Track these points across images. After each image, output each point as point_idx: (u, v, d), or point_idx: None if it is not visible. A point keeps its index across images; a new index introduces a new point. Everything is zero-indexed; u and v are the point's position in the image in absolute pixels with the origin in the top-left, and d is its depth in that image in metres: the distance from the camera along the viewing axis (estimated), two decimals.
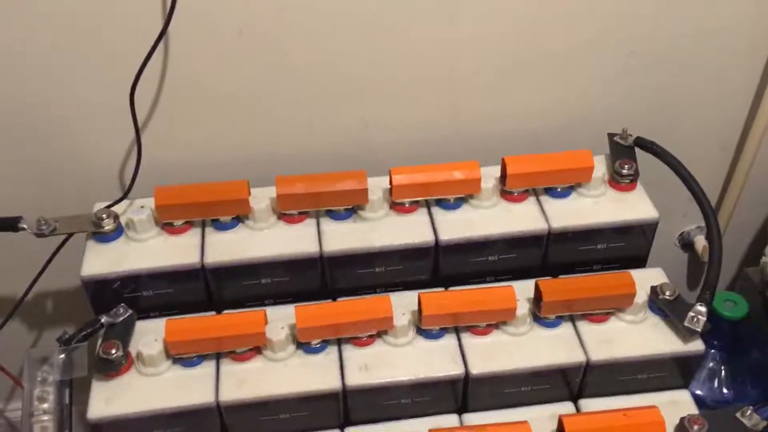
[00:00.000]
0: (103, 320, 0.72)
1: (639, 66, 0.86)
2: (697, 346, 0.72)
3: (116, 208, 0.77)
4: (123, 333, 0.71)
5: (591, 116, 0.89)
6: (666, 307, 0.73)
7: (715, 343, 0.91)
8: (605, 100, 0.88)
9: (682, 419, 0.69)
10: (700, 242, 1.02)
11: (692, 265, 1.09)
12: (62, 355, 0.69)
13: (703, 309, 0.71)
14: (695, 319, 0.71)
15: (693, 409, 0.72)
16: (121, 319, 0.72)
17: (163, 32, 0.72)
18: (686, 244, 1.05)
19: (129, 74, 0.74)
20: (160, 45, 0.73)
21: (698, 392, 0.90)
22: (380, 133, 0.86)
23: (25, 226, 0.73)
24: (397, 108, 0.85)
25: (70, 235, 0.77)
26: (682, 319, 0.71)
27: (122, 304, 0.73)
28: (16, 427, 1.07)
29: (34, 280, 0.80)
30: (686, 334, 0.72)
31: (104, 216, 0.75)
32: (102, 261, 0.73)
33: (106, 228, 0.75)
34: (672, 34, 0.84)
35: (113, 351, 0.69)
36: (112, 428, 0.68)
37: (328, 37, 0.78)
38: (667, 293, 0.73)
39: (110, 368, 0.69)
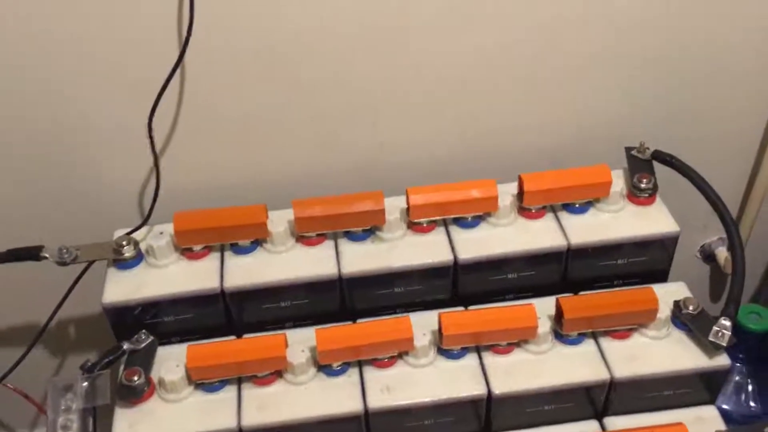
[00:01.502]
0: (125, 347, 0.72)
1: (654, 77, 0.86)
2: (723, 360, 0.71)
3: (136, 235, 0.77)
4: (145, 359, 0.72)
5: (607, 129, 0.88)
6: (690, 322, 0.72)
7: (741, 356, 0.89)
8: (621, 112, 0.88)
9: None
10: (722, 254, 1.01)
11: (714, 278, 1.07)
12: (85, 383, 0.70)
13: (727, 323, 0.70)
14: (720, 334, 0.70)
15: (720, 425, 0.71)
16: (142, 345, 0.72)
17: (179, 59, 0.73)
18: (708, 256, 1.04)
19: (147, 101, 0.74)
20: (177, 71, 0.74)
21: (725, 406, 0.89)
22: (395, 152, 0.86)
23: (47, 255, 0.74)
24: (412, 127, 0.85)
25: (92, 262, 0.78)
26: (707, 334, 0.70)
27: (143, 331, 0.73)
28: None
29: (57, 308, 0.81)
30: (711, 349, 0.71)
31: (124, 243, 0.75)
32: (123, 288, 0.74)
33: (127, 255, 0.75)
34: (687, 44, 0.84)
35: (135, 378, 0.69)
36: None
37: (341, 59, 0.78)
38: (691, 308, 0.72)
39: (133, 395, 0.69)
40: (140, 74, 0.75)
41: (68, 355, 0.97)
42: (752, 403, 0.91)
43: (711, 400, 0.74)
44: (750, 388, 0.90)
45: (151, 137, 0.76)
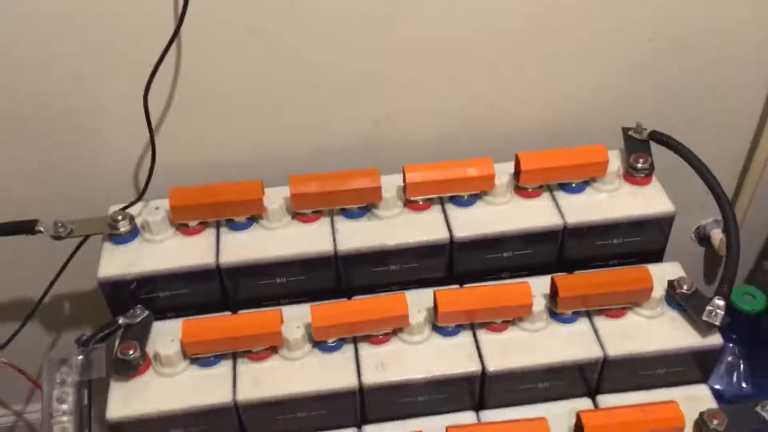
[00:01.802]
0: (120, 321, 0.72)
1: (653, 58, 0.86)
2: (716, 339, 0.72)
3: (131, 210, 0.77)
4: (140, 334, 0.72)
5: (605, 110, 0.88)
6: (683, 301, 0.73)
7: (734, 337, 0.90)
8: (619, 93, 0.88)
9: (701, 414, 0.69)
10: (717, 236, 1.01)
11: (709, 260, 1.08)
12: (81, 357, 0.70)
13: (721, 303, 0.71)
14: (713, 313, 0.70)
15: (712, 404, 0.72)
16: (138, 320, 0.73)
17: (175, 34, 0.72)
18: (703, 238, 1.04)
19: (142, 77, 0.74)
20: (173, 47, 0.74)
21: (717, 387, 0.90)
22: (393, 130, 0.86)
23: (42, 228, 0.74)
24: (410, 105, 0.85)
25: (87, 237, 0.77)
26: (700, 313, 0.71)
27: (139, 306, 0.73)
28: (36, 429, 1.08)
29: (52, 283, 0.81)
30: (704, 328, 0.72)
31: (120, 218, 0.75)
32: (118, 262, 0.74)
33: (122, 230, 0.75)
34: (686, 26, 0.83)
35: (131, 352, 0.69)
36: (131, 428, 0.69)
37: (338, 34, 0.78)
38: (685, 287, 0.73)
39: (128, 369, 0.69)
40: (136, 49, 0.74)
41: (63, 331, 0.97)
42: (744, 384, 0.91)
43: (704, 379, 0.75)
44: (743, 368, 0.91)
45: (146, 112, 0.75)
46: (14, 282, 0.91)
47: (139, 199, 0.78)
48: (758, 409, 0.69)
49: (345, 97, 0.83)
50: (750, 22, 0.84)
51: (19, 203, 0.82)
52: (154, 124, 0.78)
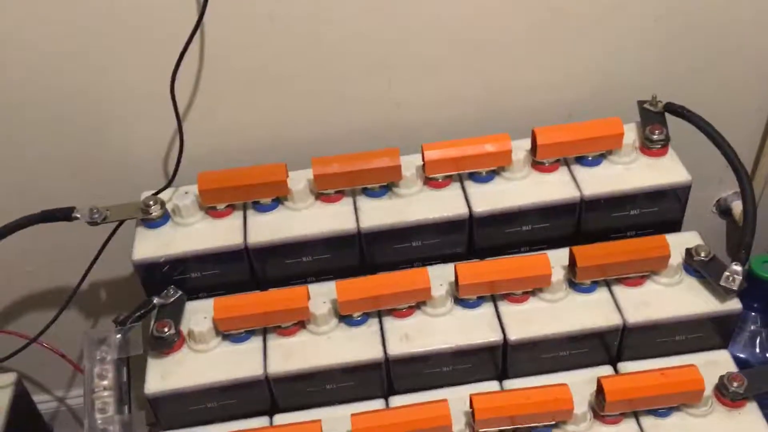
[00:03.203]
0: (155, 301, 0.75)
1: (668, 31, 0.86)
2: (735, 305, 0.73)
3: (162, 196, 0.80)
4: (174, 313, 0.75)
5: (621, 84, 0.89)
6: (701, 268, 0.74)
7: (756, 305, 0.91)
8: (635, 68, 0.89)
9: (721, 377, 0.70)
10: (738, 208, 1.01)
11: (731, 232, 1.08)
12: (119, 335, 0.73)
13: (738, 268, 0.72)
14: (731, 278, 0.71)
15: (732, 368, 0.73)
16: (171, 299, 0.76)
17: (199, 21, 0.75)
18: (724, 210, 1.05)
19: (168, 64, 0.77)
20: (196, 35, 0.77)
21: (741, 355, 0.91)
22: (411, 110, 0.88)
23: (78, 215, 0.77)
24: (427, 85, 0.86)
25: (121, 222, 0.81)
26: (718, 279, 0.72)
27: (172, 286, 0.76)
28: (78, 414, 1.12)
29: (89, 268, 0.84)
30: (723, 294, 0.73)
31: (151, 203, 0.78)
32: (151, 245, 0.77)
33: (154, 214, 0.78)
34: None
35: (166, 329, 0.72)
36: (168, 402, 0.72)
37: (358, 18, 0.80)
38: (702, 254, 0.74)
39: (164, 346, 0.73)
40: (162, 38, 0.77)
41: (101, 314, 1.00)
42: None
43: (724, 345, 0.76)
44: (765, 336, 0.91)
45: (174, 101, 0.78)
46: (53, 268, 0.95)
47: (168, 184, 0.81)
48: None
49: (364, 79, 0.85)
50: None
51: (53, 193, 0.85)
52: (181, 112, 0.81)
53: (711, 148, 0.79)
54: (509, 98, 0.89)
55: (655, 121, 0.81)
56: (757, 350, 0.92)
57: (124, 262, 0.78)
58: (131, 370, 0.74)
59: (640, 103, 0.84)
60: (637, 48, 0.87)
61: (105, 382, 0.72)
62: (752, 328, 0.91)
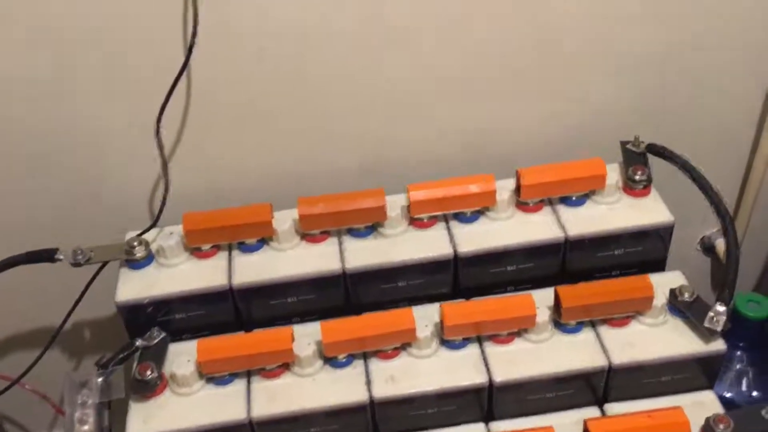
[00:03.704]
0: (138, 343, 0.75)
1: (648, 72, 0.88)
2: (719, 345, 0.73)
3: (147, 236, 0.80)
4: (157, 355, 0.74)
5: (603, 124, 0.90)
6: (685, 309, 0.74)
7: (741, 344, 0.91)
8: (617, 107, 0.90)
9: (707, 419, 0.70)
10: (721, 245, 1.02)
11: (715, 270, 1.09)
12: (100, 378, 0.72)
13: (722, 308, 0.72)
14: (715, 319, 0.72)
15: (718, 409, 0.72)
16: (155, 341, 0.75)
17: (186, 62, 0.75)
18: (708, 248, 1.05)
19: (155, 103, 0.77)
20: (184, 73, 0.77)
21: (727, 395, 0.90)
22: (397, 148, 0.88)
23: (62, 257, 0.77)
24: (412, 124, 0.87)
25: (105, 263, 0.80)
26: (702, 320, 0.72)
27: (156, 328, 0.76)
28: None
29: (72, 309, 0.83)
30: (707, 335, 0.73)
31: (136, 244, 0.78)
32: (135, 287, 0.77)
33: (138, 255, 0.78)
34: (680, 40, 0.85)
35: (148, 372, 0.72)
36: None
37: (343, 58, 0.81)
38: (686, 295, 0.74)
39: (146, 389, 0.72)
40: (148, 77, 0.78)
41: (84, 356, 0.99)
42: (754, 392, 0.92)
43: (709, 386, 0.76)
44: (751, 375, 0.91)
45: (159, 140, 0.78)
46: (36, 309, 0.94)
47: (153, 225, 0.81)
48: (764, 412, 0.70)
49: (349, 118, 0.86)
50: (743, 32, 0.86)
51: (38, 232, 0.85)
52: (166, 151, 0.81)
53: (693, 186, 0.80)
54: (494, 137, 0.90)
55: (638, 162, 0.82)
56: (743, 389, 0.91)
57: (108, 303, 0.77)
58: (113, 414, 0.73)
59: (623, 143, 0.85)
60: (619, 88, 0.89)
61: (86, 427, 0.71)
62: (738, 366, 0.91)
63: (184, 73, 0.77)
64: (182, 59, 0.76)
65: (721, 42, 0.87)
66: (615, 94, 0.89)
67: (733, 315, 0.76)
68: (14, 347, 0.97)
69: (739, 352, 0.91)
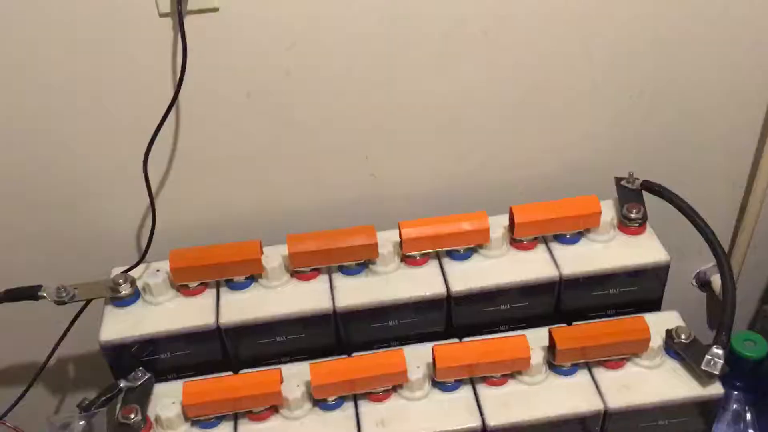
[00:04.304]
0: (121, 385, 0.73)
1: (642, 110, 0.87)
2: (717, 389, 0.71)
3: (133, 273, 0.78)
4: (141, 397, 0.72)
5: (596, 161, 0.90)
6: (682, 351, 0.73)
7: (738, 384, 0.89)
8: (611, 145, 0.89)
9: None
10: (717, 281, 1.01)
11: (711, 305, 1.08)
12: (82, 422, 0.70)
13: (719, 351, 0.71)
14: (712, 362, 0.70)
15: None
16: (139, 383, 0.73)
17: (173, 101, 0.74)
18: (703, 283, 1.04)
19: (142, 141, 0.76)
20: (171, 112, 0.76)
21: None
22: (387, 185, 0.87)
23: (45, 294, 0.75)
24: (403, 162, 0.86)
25: (89, 301, 0.78)
26: (699, 363, 0.71)
27: (140, 368, 0.74)
28: None
29: (55, 347, 0.81)
30: (704, 378, 0.71)
31: (121, 281, 0.76)
32: (120, 326, 0.75)
33: (123, 293, 0.76)
34: (674, 74, 0.85)
35: (132, 416, 0.70)
36: None
37: (332, 96, 0.80)
38: (683, 336, 0.73)
39: None
40: (135, 116, 0.77)
41: (67, 394, 0.97)
42: (751, 431, 0.90)
43: (707, 429, 0.74)
44: (748, 416, 0.90)
45: (146, 177, 0.77)
46: (19, 347, 0.92)
47: (140, 261, 0.79)
48: None
49: (340, 155, 0.85)
50: (734, 73, 0.86)
51: (21, 267, 0.84)
52: (154, 188, 0.80)
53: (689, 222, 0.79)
54: (486, 174, 0.89)
55: (633, 199, 0.81)
56: (741, 429, 0.90)
57: (93, 340, 0.75)
58: None
59: (617, 180, 0.84)
60: (613, 125, 0.88)
61: None
62: (735, 407, 0.90)
63: (172, 113, 0.76)
64: (170, 95, 0.74)
65: (716, 82, 0.87)
66: (609, 131, 0.88)
67: (730, 354, 0.74)
68: None
69: (736, 392, 0.90)
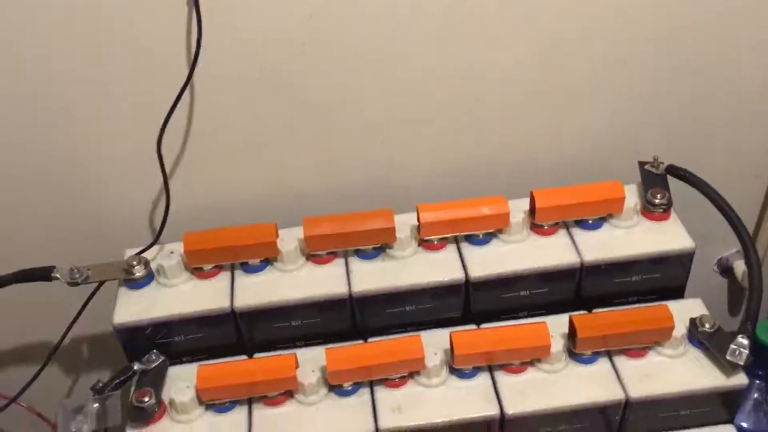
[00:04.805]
0: (135, 367, 0.72)
1: (668, 91, 0.85)
2: (741, 379, 0.70)
3: (147, 254, 0.77)
4: (156, 380, 0.72)
5: (621, 144, 0.87)
6: (706, 340, 0.71)
7: (760, 373, 0.88)
8: (634, 127, 0.87)
9: None
10: (740, 267, 0.99)
11: (733, 291, 1.06)
12: (96, 405, 0.70)
13: (745, 341, 0.69)
14: (737, 352, 0.69)
15: None
16: (153, 365, 0.73)
17: (188, 81, 0.73)
18: (726, 269, 1.02)
19: (156, 122, 0.75)
20: (186, 93, 0.75)
21: (744, 425, 0.87)
22: (405, 168, 0.86)
23: (58, 275, 0.74)
24: (421, 143, 0.85)
25: (102, 282, 0.78)
26: (724, 353, 0.69)
27: (154, 351, 0.73)
28: None
29: (68, 328, 0.81)
30: (728, 368, 0.70)
31: (135, 263, 0.75)
32: (134, 308, 0.74)
33: (137, 275, 0.75)
34: (700, 58, 0.83)
35: (146, 399, 0.69)
36: None
37: (348, 74, 0.78)
38: (707, 325, 0.71)
39: (143, 416, 0.69)
40: (149, 96, 0.75)
41: (81, 374, 0.97)
42: None
43: (729, 419, 0.73)
44: None
45: (160, 158, 0.76)
46: (33, 327, 0.92)
47: (154, 243, 0.78)
48: None
49: (356, 136, 0.83)
50: (760, 51, 0.83)
51: (36, 249, 0.83)
52: (168, 169, 0.79)
53: (712, 206, 0.77)
54: (504, 156, 0.87)
55: (657, 184, 0.79)
56: (762, 418, 0.88)
57: (107, 321, 0.74)
58: None
59: (641, 164, 0.82)
60: (637, 107, 0.86)
61: None
62: (756, 396, 0.88)
63: (186, 93, 0.74)
64: (185, 74, 0.73)
65: (739, 62, 0.84)
66: (634, 114, 0.86)
67: (752, 343, 0.73)
68: (10, 365, 0.95)
69: (757, 381, 0.88)
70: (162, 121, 0.74)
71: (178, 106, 0.74)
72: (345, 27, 0.75)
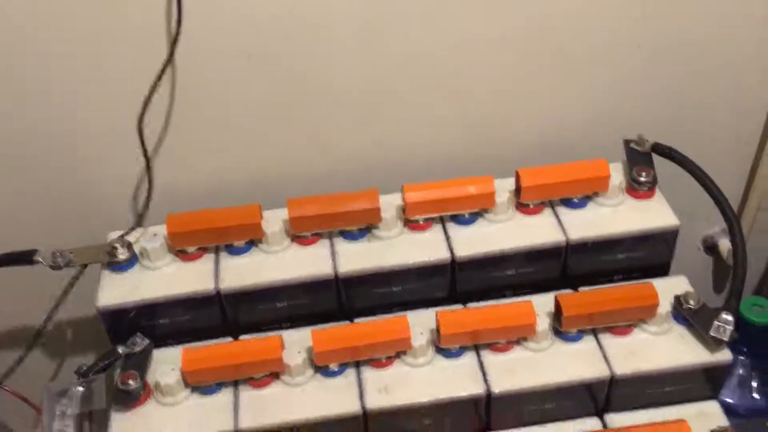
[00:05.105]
0: (120, 351, 0.72)
1: (653, 69, 0.85)
2: (725, 355, 0.70)
3: (130, 237, 0.77)
4: (140, 363, 0.71)
5: (606, 122, 0.87)
6: (690, 317, 0.71)
7: (744, 349, 0.88)
8: (619, 105, 0.87)
9: (711, 431, 0.67)
10: (725, 245, 0.99)
11: (717, 269, 1.06)
12: (81, 388, 0.69)
13: (729, 317, 0.69)
14: (721, 329, 0.69)
15: (723, 421, 0.70)
16: (138, 348, 0.72)
17: (169, 59, 0.72)
18: (710, 247, 1.03)
19: (137, 101, 0.74)
20: (168, 71, 0.74)
21: (729, 400, 0.88)
22: (391, 148, 0.85)
23: (40, 259, 0.74)
24: (406, 123, 0.84)
25: (85, 265, 0.77)
26: (708, 329, 0.69)
27: (139, 334, 0.73)
28: None
29: (51, 311, 0.80)
30: (713, 344, 0.70)
31: (118, 245, 0.75)
32: (117, 291, 0.73)
33: (121, 257, 0.74)
34: (686, 36, 0.82)
35: (131, 382, 0.69)
36: None
37: (333, 56, 0.77)
38: (692, 302, 0.71)
39: (129, 399, 0.69)
40: (130, 75, 0.74)
41: (66, 358, 0.96)
42: (756, 396, 0.89)
43: (713, 396, 0.73)
44: (754, 381, 0.89)
45: (141, 138, 0.75)
46: (16, 311, 0.91)
47: (137, 225, 0.77)
48: None
49: (341, 117, 0.82)
50: (750, 31, 0.83)
51: (17, 233, 0.82)
52: (150, 150, 0.78)
53: (697, 184, 0.77)
54: (491, 136, 0.86)
55: (642, 162, 0.79)
56: (747, 394, 0.89)
57: (91, 304, 0.74)
58: (94, 425, 0.70)
59: (626, 142, 0.82)
60: (621, 86, 0.85)
61: None
62: (741, 372, 0.89)
63: (168, 72, 0.73)
64: (166, 53, 0.72)
65: (728, 40, 0.84)
66: (618, 91, 0.86)
67: (737, 319, 0.73)
68: None
69: (741, 357, 0.89)
70: (143, 100, 0.73)
71: (161, 86, 0.73)
72: (332, 5, 0.74)
